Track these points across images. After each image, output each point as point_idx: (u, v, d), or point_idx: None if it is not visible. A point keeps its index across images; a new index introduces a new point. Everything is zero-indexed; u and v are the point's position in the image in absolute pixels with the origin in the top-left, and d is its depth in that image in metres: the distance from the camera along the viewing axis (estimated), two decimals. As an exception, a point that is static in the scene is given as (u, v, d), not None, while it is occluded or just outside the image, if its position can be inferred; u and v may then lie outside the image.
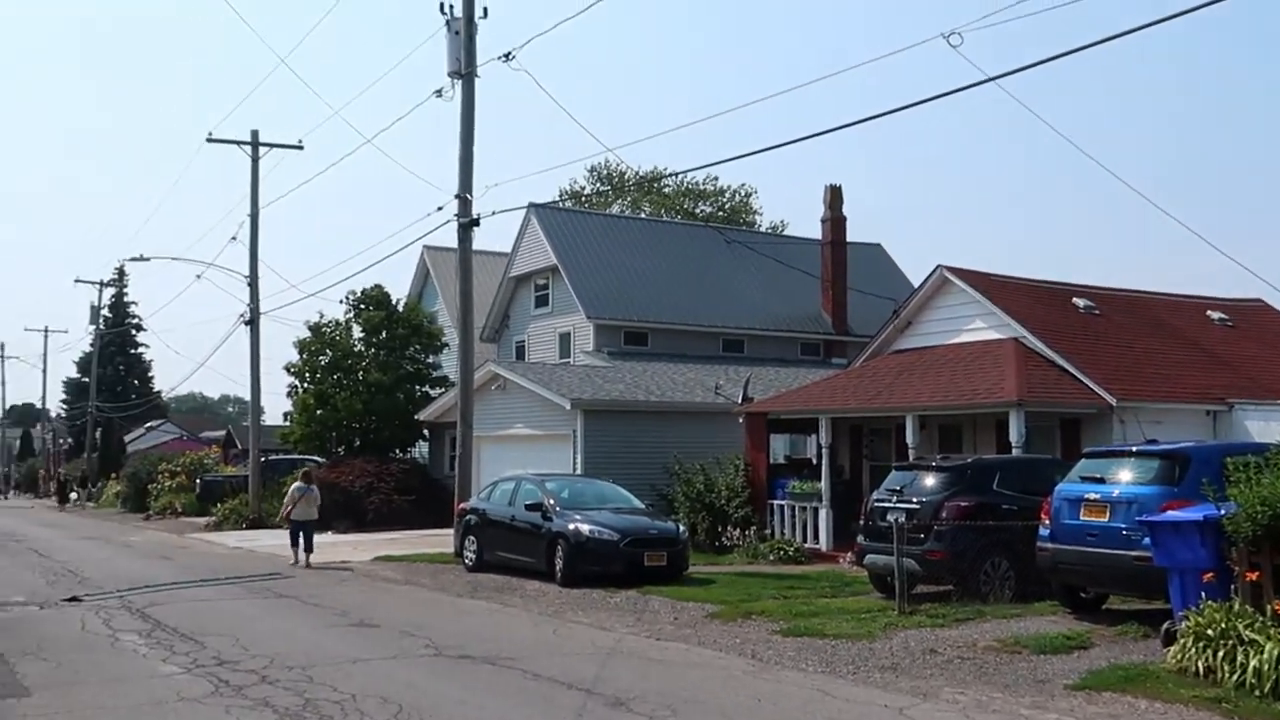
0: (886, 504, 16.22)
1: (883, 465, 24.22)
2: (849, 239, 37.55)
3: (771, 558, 21.52)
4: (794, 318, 37.57)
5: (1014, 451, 18.56)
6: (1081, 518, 13.45)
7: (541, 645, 12.81)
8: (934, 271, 23.18)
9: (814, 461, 26.28)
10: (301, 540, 23.38)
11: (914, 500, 15.92)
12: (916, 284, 26.25)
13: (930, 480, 16.20)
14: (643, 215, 57.59)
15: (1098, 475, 13.72)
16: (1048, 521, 13.90)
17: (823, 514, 22.23)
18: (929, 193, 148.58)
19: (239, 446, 59.02)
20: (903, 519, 15.21)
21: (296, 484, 24.80)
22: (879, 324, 34.33)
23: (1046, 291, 23.81)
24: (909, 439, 20.46)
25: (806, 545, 22.14)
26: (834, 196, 36.99)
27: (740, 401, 25.13)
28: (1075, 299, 23.65)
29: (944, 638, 12.67)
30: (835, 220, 36.68)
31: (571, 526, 18.67)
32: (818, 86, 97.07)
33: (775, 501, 23.32)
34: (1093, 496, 13.45)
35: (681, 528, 19.91)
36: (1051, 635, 12.39)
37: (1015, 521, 15.05)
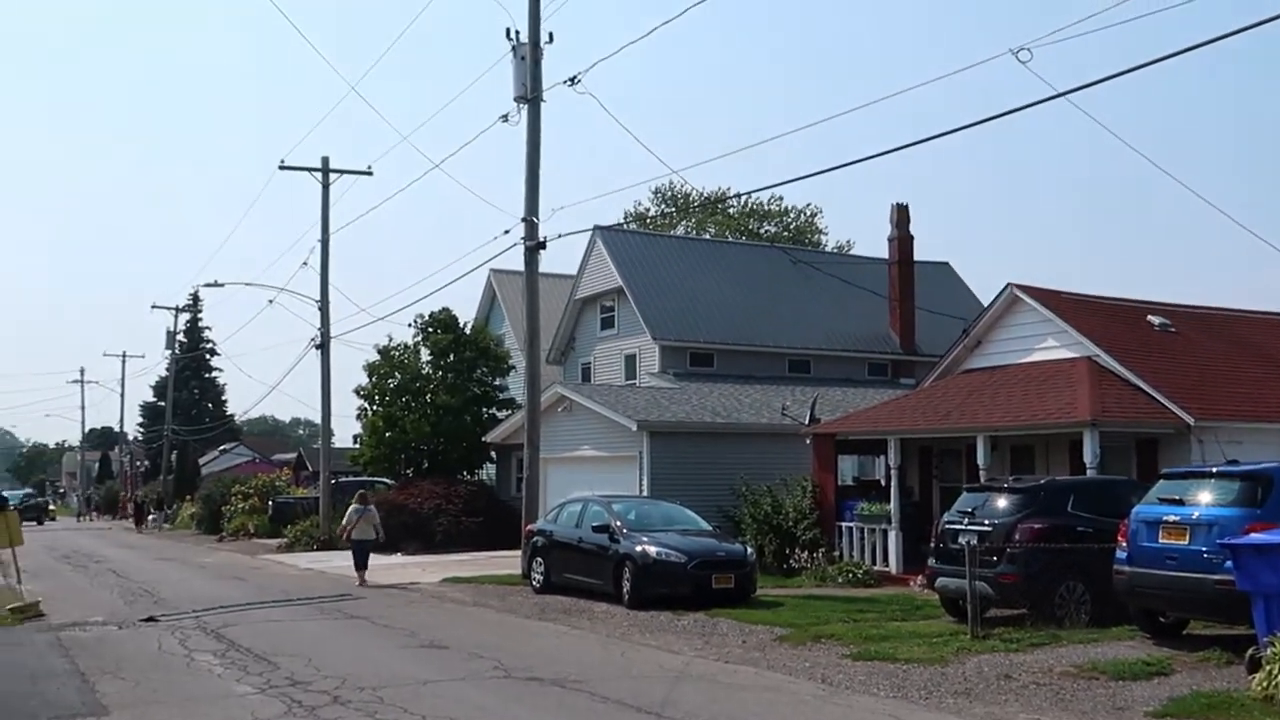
0: (958, 526, 15.99)
1: (953, 487, 23.90)
2: (916, 257, 37.26)
3: (840, 580, 21.30)
4: (861, 337, 37.29)
5: (1088, 473, 18.20)
6: (1160, 540, 13.15)
7: (610, 667, 12.79)
8: (1004, 290, 22.88)
9: (882, 483, 26.03)
10: (363, 561, 23.96)
11: (986, 522, 15.68)
12: (986, 303, 25.94)
13: (1003, 502, 15.95)
14: (707, 236, 57.59)
15: (1176, 497, 13.41)
16: (1125, 544, 13.61)
17: (892, 536, 21.98)
18: (997, 210, 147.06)
19: (310, 469, 59.72)
20: (975, 541, 14.96)
21: (354, 505, 25.32)
22: (948, 343, 33.97)
23: (1120, 309, 23.38)
24: (980, 460, 20.18)
25: (876, 568, 21.89)
26: (900, 215, 36.74)
27: (807, 422, 24.96)
28: (1150, 316, 23.20)
29: (1019, 663, 12.44)
30: (902, 239, 36.41)
31: (639, 548, 18.64)
32: (884, 104, 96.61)
33: (844, 523, 23.09)
34: (1172, 519, 13.14)
35: (749, 550, 19.79)
36: (1130, 661, 12.11)
37: (1091, 544, 14.75)
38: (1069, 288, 23.90)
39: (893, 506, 22.09)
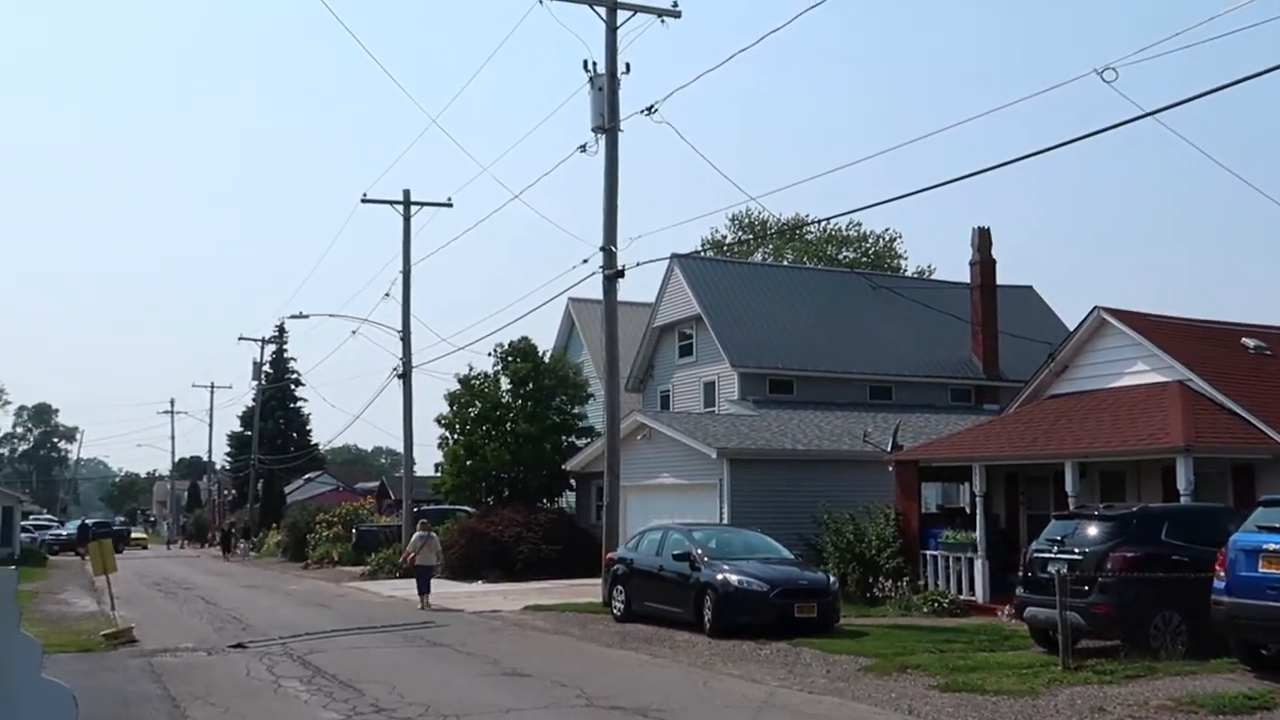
0: (1047, 554, 15.63)
1: (1040, 514, 23.40)
2: (999, 281, 36.74)
3: (925, 610, 20.96)
4: (943, 363, 36.82)
5: (1182, 500, 17.71)
6: (1260, 570, 12.72)
7: (692, 697, 12.69)
8: (1090, 313, 22.42)
9: (967, 510, 25.56)
10: (426, 586, 25.02)
11: (1076, 551, 15.31)
12: (1071, 327, 25.43)
13: (1093, 530, 15.57)
14: (785, 263, 57.39)
15: (1277, 525, 12.97)
16: (1223, 574, 13.19)
17: (978, 565, 21.57)
18: (1081, 232, 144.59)
19: (392, 497, 60.45)
20: (1065, 570, 14.61)
21: (417, 533, 26.54)
22: (1032, 368, 33.33)
23: (1212, 331, 22.78)
24: (1069, 487, 19.73)
25: (961, 597, 21.49)
26: (982, 239, 36.30)
27: (889, 449, 24.66)
28: (1244, 339, 22.55)
29: (1113, 695, 12.09)
30: (984, 263, 35.95)
31: (720, 577, 18.52)
32: (964, 127, 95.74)
33: (928, 552, 22.73)
34: (1272, 547, 12.71)
35: (832, 578, 19.56)
36: (1230, 694, 11.70)
37: (1186, 573, 14.32)
38: (1157, 310, 23.39)
39: (978, 534, 21.70)
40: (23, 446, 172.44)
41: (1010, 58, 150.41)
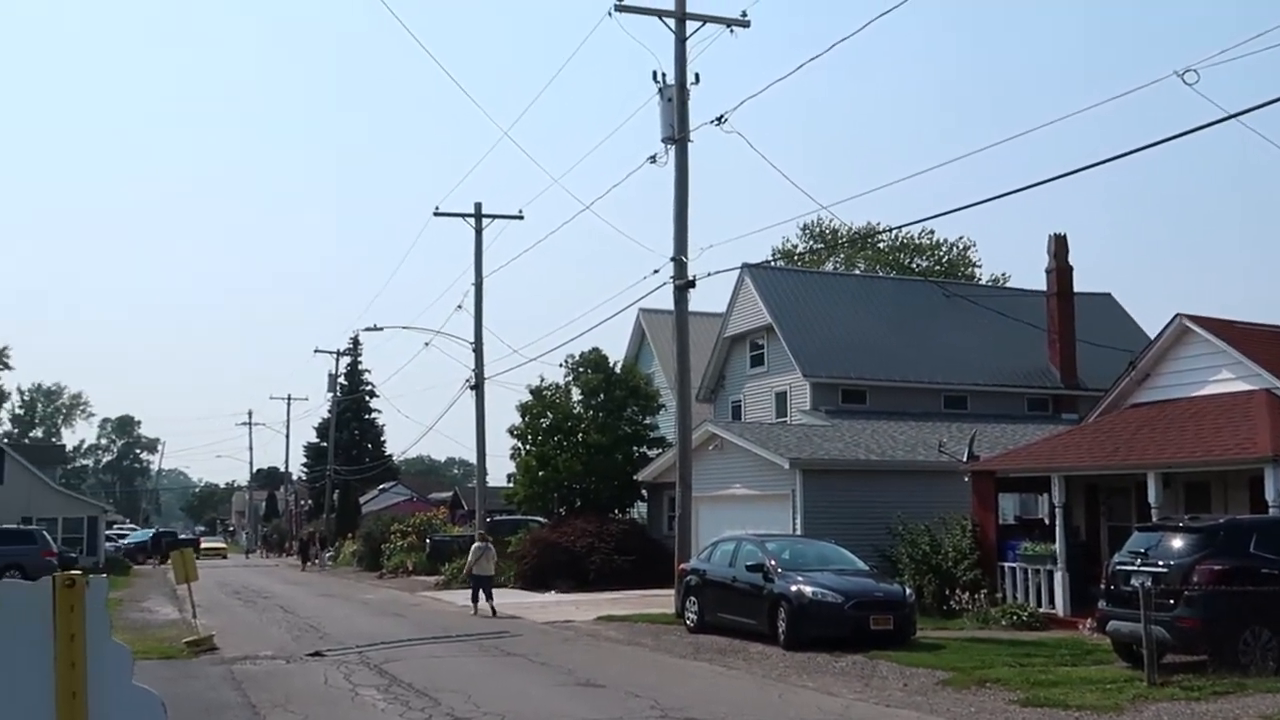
0: (1130, 567, 15.30)
1: (1122, 526, 22.96)
2: (1076, 289, 36.12)
3: (1004, 623, 20.61)
4: (1019, 372, 36.25)
5: (1271, 511, 17.22)
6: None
7: (767, 709, 12.59)
8: (1172, 320, 21.94)
9: (1046, 522, 25.13)
10: (481, 593, 26.10)
11: (1160, 564, 14.96)
12: (1151, 334, 24.94)
13: (1178, 542, 15.20)
14: (857, 272, 56.97)
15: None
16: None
17: (1058, 577, 21.17)
18: (1158, 237, 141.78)
19: (465, 507, 60.98)
20: (1149, 583, 14.28)
21: (476, 544, 28.00)
22: (1111, 377, 32.69)
23: (1301, 338, 22.15)
24: (1152, 498, 19.29)
25: (1041, 610, 21.09)
26: (1059, 246, 35.74)
27: (965, 459, 24.30)
28: (1334, 346, 21.90)
29: (1201, 712, 11.78)
30: (1061, 270, 35.39)
31: (794, 588, 18.38)
32: (1038, 134, 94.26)
33: (1006, 564, 22.36)
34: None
35: (908, 590, 19.33)
36: (1326, 712, 11.35)
37: (1277, 586, 13.92)
38: (1241, 316, 22.81)
39: (1058, 546, 21.29)
40: (106, 458, 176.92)
41: (1070, 62, 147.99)
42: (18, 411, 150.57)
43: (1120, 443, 20.75)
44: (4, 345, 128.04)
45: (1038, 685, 13.61)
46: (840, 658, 16.68)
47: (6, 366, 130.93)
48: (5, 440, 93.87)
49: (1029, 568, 21.80)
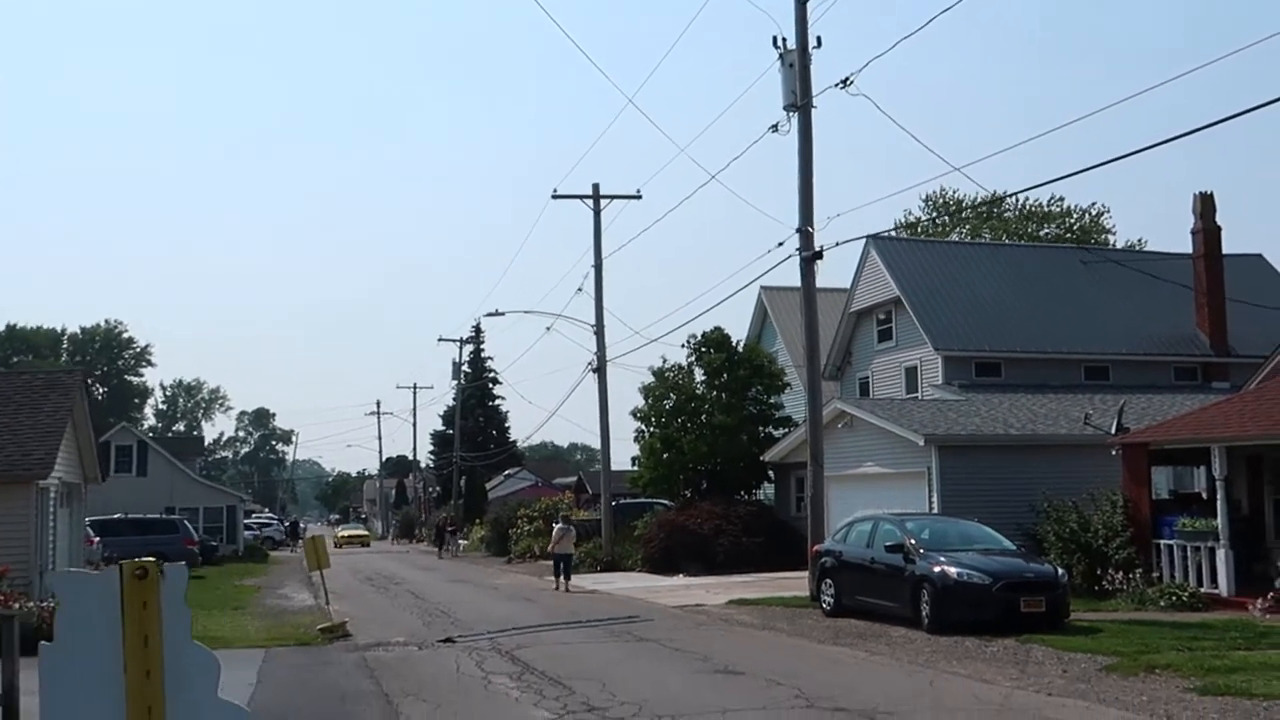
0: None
1: (1289, 499, 21.53)
2: (1224, 251, 34.14)
3: (1162, 604, 19.40)
4: (1164, 339, 34.43)
5: None
6: None
7: (920, 699, 11.84)
8: (1342, 277, 20.37)
9: (1204, 496, 23.72)
10: (563, 569, 28.59)
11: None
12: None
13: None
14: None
15: None
16: None
17: (1220, 555, 19.83)
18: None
19: (589, 491, 60.90)
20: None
21: (559, 525, 30.50)
22: (1266, 342, 30.87)
23: None
24: (1325, 468, 17.90)
25: (1202, 590, 19.81)
26: (1205, 205, 33.81)
27: (1114, 432, 23.02)
28: None
29: None
30: (1208, 231, 33.46)
31: (937, 569, 17.51)
32: (1168, 90, 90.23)
33: (1161, 541, 21.08)
34: None
35: (1060, 571, 18.27)
36: None
37: None
38: None
39: (1220, 522, 19.95)
40: (244, 449, 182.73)
41: (1180, 23, 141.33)
42: (160, 407, 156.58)
43: (1288, 410, 19.33)
44: (147, 343, 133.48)
45: (1214, 672, 12.58)
46: (990, 642, 15.81)
47: (150, 364, 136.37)
48: (150, 434, 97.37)
49: (1188, 545, 20.51)
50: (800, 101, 22.73)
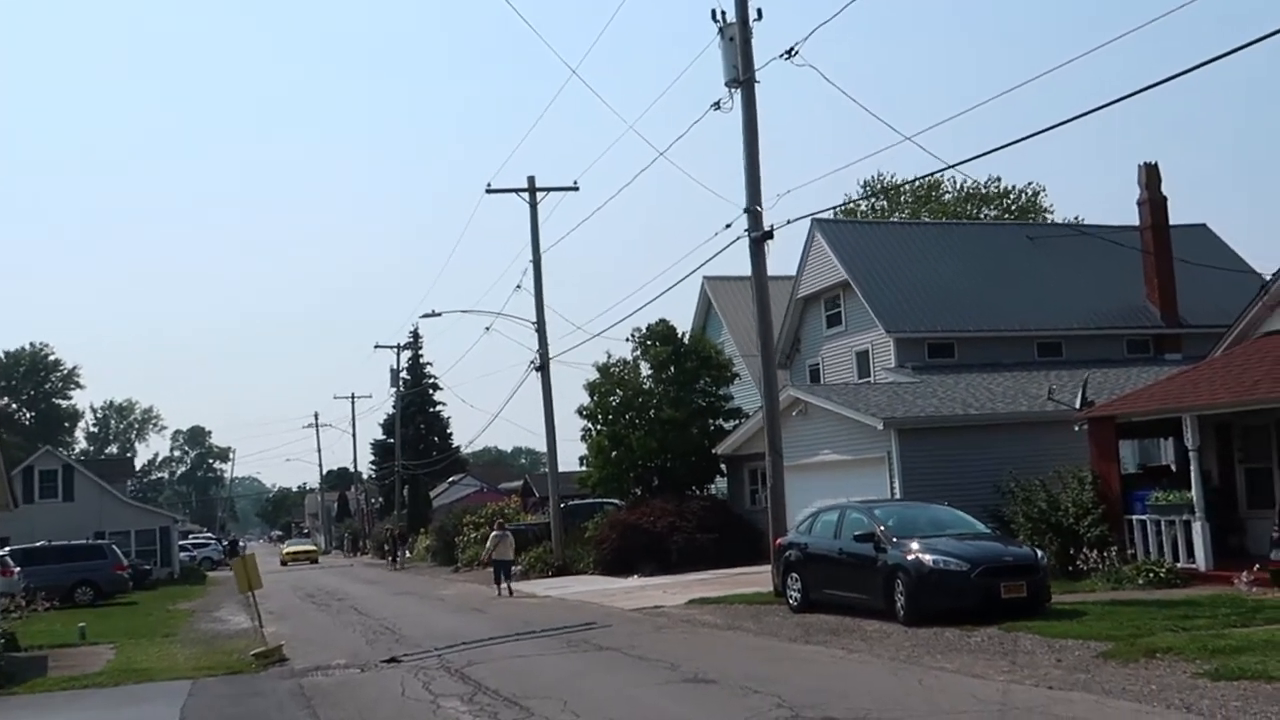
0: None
1: (1260, 468, 20.91)
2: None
3: (1140, 582, 18.65)
4: (1115, 313, 33.92)
5: None
6: None
7: (913, 699, 10.82)
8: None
9: (1172, 469, 23.12)
10: (503, 576, 29.07)
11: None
12: (1254, 264, 22.73)
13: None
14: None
15: None
16: None
17: (1196, 528, 19.11)
18: (1248, 162, 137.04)
19: (536, 495, 59.60)
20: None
21: (494, 533, 30.79)
22: (1215, 312, 30.45)
23: None
24: (1303, 433, 17.22)
25: (1180, 565, 19.10)
26: (1150, 175, 33.33)
27: (1079, 407, 22.26)
28: None
29: None
30: (1154, 202, 32.97)
31: (911, 557, 16.56)
32: (1102, 56, 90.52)
33: (1134, 517, 20.36)
34: None
35: (1040, 553, 17.40)
36: None
37: None
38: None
39: (1194, 494, 19.24)
40: (181, 469, 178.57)
41: None
42: (92, 429, 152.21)
43: (1261, 375, 18.64)
44: (74, 365, 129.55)
45: (1219, 653, 11.70)
46: (971, 632, 14.88)
47: (79, 385, 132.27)
48: (80, 458, 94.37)
49: (1161, 519, 19.79)
50: (743, 76, 21.74)
